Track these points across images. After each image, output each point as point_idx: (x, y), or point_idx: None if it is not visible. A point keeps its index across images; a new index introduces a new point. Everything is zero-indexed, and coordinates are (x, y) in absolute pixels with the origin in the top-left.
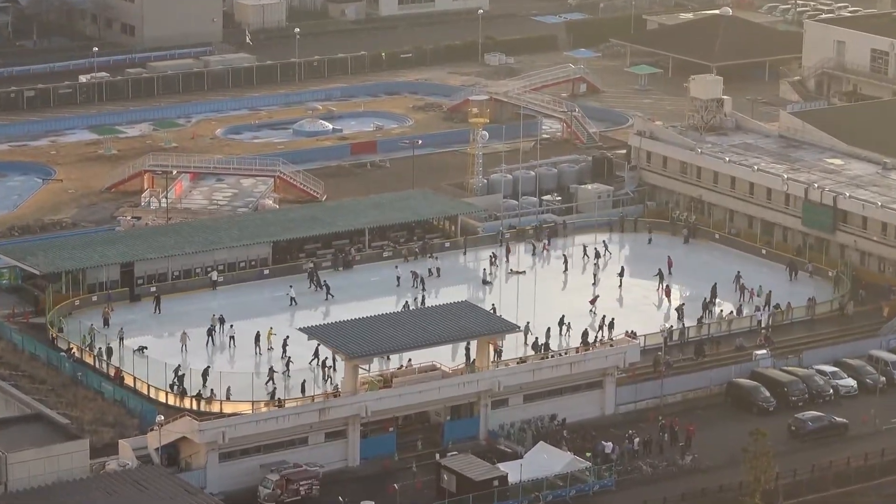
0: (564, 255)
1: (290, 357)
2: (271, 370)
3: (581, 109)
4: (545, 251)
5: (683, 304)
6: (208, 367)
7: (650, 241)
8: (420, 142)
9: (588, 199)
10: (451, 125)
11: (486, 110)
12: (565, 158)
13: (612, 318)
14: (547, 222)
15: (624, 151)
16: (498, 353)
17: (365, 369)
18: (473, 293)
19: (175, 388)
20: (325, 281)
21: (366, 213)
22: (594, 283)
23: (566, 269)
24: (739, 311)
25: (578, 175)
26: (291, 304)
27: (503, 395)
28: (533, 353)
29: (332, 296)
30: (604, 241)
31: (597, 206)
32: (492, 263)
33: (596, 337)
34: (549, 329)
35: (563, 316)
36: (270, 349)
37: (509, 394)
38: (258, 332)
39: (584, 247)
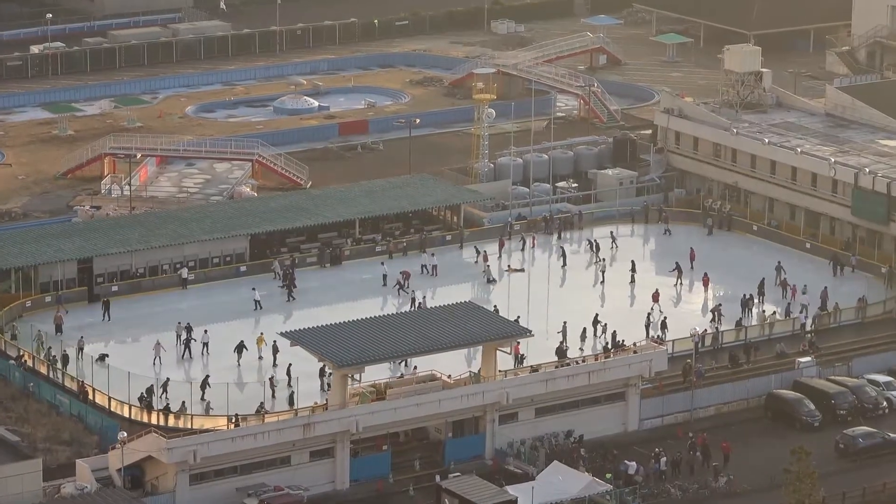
0: (563, 248)
1: (290, 365)
2: (272, 381)
3: (600, 84)
4: (533, 247)
5: (720, 304)
6: (207, 376)
7: (667, 232)
8: (418, 121)
9: (608, 185)
10: (453, 102)
11: (492, 85)
12: (583, 140)
13: (664, 317)
14: (562, 211)
15: (649, 132)
16: (519, 358)
17: (356, 379)
18: (478, 293)
19: (154, 406)
20: (286, 283)
21: (356, 201)
22: (602, 282)
23: (564, 263)
24: (787, 311)
25: (597, 159)
26: (256, 307)
27: (512, 408)
28: (560, 359)
29: (294, 298)
30: (611, 233)
31: (618, 193)
32: (499, 257)
33: (658, 337)
34: (584, 330)
35: (597, 315)
36: (261, 358)
37: (519, 407)
38: (241, 340)
39: (590, 241)
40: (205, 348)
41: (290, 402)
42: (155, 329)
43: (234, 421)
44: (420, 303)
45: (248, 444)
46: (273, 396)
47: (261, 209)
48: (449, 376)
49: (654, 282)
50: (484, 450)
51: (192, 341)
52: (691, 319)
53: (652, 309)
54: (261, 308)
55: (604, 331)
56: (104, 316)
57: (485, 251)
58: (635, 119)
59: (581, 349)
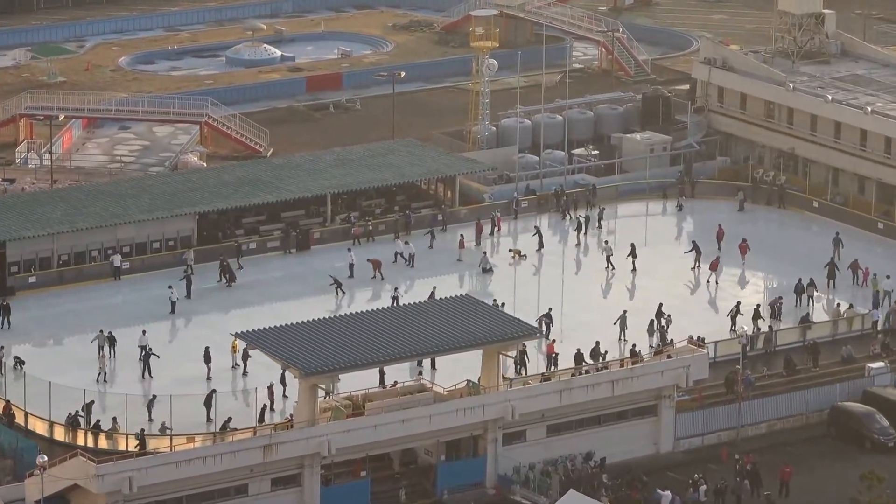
0: (537, 228)
1: (283, 372)
2: (270, 389)
3: (626, 29)
4: (498, 230)
5: (780, 298)
6: (214, 391)
7: (680, 208)
8: (403, 74)
9: (636, 153)
10: (445, 51)
11: (494, 30)
12: (605, 97)
13: (758, 305)
14: (579, 184)
15: (686, 87)
16: (552, 359)
17: (327, 390)
18: (473, 285)
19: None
20: (227, 276)
21: (327, 173)
22: (608, 267)
23: (540, 246)
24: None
25: (623, 120)
26: (172, 311)
27: (519, 425)
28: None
29: (229, 285)
30: (601, 209)
31: (648, 162)
32: (476, 244)
33: (755, 332)
34: (651, 322)
35: (661, 305)
36: (236, 366)
37: (528, 424)
38: (207, 347)
39: (580, 217)
40: (142, 352)
41: (262, 417)
42: (81, 329)
43: (194, 440)
44: (395, 296)
45: (195, 470)
46: (272, 409)
47: (211, 183)
48: (439, 386)
49: (676, 268)
50: (484, 476)
51: (152, 355)
52: (713, 316)
53: (710, 280)
54: (174, 313)
55: (668, 324)
56: (3, 322)
57: (461, 235)
58: (669, 72)
59: (653, 345)
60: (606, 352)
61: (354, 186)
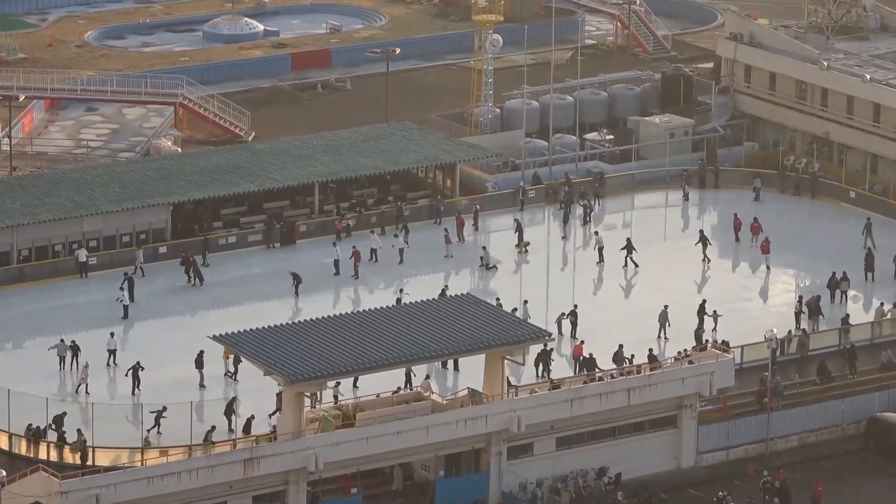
0: (517, 222)
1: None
2: (279, 396)
3: (644, 2)
4: (474, 225)
5: (818, 297)
6: (235, 397)
7: (686, 197)
8: (398, 51)
9: (655, 138)
10: (445, 25)
11: (498, 2)
12: (621, 76)
13: (802, 297)
14: (592, 172)
15: (710, 66)
16: (586, 364)
17: (315, 399)
18: (476, 284)
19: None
20: (194, 275)
21: (315, 160)
22: (600, 261)
23: (520, 242)
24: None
25: (640, 102)
26: (125, 316)
27: (526, 438)
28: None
29: (195, 284)
30: (587, 201)
31: (668, 148)
32: (460, 240)
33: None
34: (702, 320)
35: (704, 302)
36: (228, 374)
37: (535, 436)
38: (201, 351)
39: (583, 204)
40: (111, 357)
41: (247, 428)
42: (43, 331)
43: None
44: (399, 298)
45: (169, 486)
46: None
47: (186, 170)
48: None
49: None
50: (487, 493)
51: (140, 369)
52: (755, 317)
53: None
54: (127, 318)
55: (716, 322)
56: None
57: (445, 230)
58: (691, 48)
59: (712, 339)
60: (633, 355)
61: (344, 174)
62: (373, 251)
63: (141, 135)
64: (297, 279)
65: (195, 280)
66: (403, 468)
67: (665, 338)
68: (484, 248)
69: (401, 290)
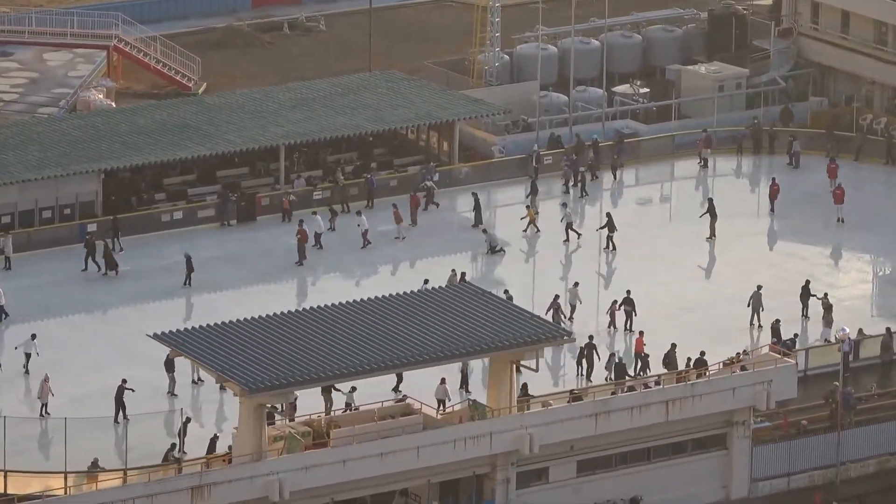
0: (475, 195)
1: None
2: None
3: None
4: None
5: None
6: (189, 419)
7: (702, 163)
8: None
9: (700, 91)
10: None
11: None
12: (658, 15)
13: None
14: (621, 133)
15: (769, 2)
16: (643, 359)
17: (277, 411)
18: (480, 271)
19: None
20: (105, 263)
21: (281, 117)
22: (566, 240)
23: (478, 222)
24: None
25: (682, 47)
26: (1, 319)
27: (540, 460)
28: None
29: (108, 272)
30: (589, 170)
31: (716, 104)
32: (412, 223)
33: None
34: (807, 305)
35: (808, 282)
36: (198, 382)
37: (552, 459)
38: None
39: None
40: (27, 361)
41: (212, 447)
42: None
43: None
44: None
45: None
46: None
47: (122, 130)
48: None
49: (750, 245)
50: None
51: (126, 389)
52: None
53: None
54: (6, 316)
55: (826, 308)
56: None
57: (394, 206)
58: None
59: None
60: (702, 355)
61: (317, 135)
62: (317, 236)
63: (66, 86)
64: (189, 265)
65: (104, 269)
66: (385, 498)
67: (759, 325)
68: (485, 230)
69: (425, 282)
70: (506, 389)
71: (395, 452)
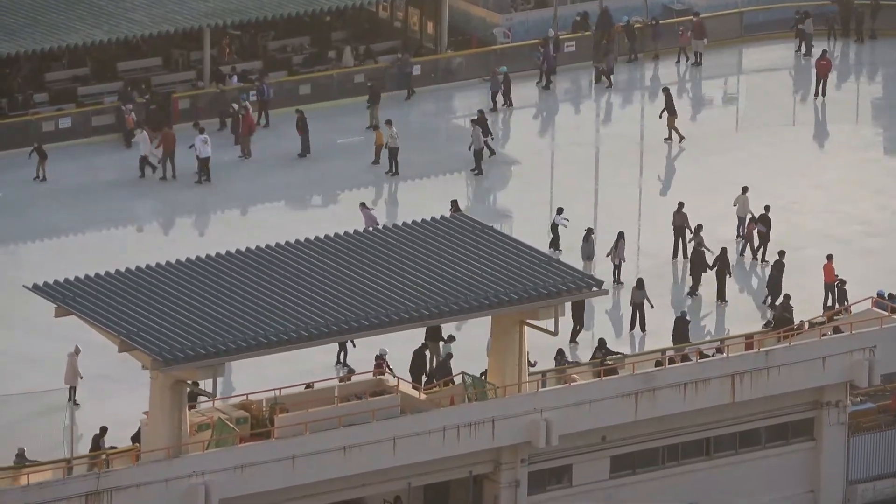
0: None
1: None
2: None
3: None
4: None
5: None
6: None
7: (697, 60)
8: None
9: None
10: None
11: None
12: None
13: None
14: (653, 18)
15: None
16: (835, 290)
17: (203, 391)
18: (469, 197)
19: None
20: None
21: None
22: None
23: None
24: None
25: None
26: None
27: (559, 455)
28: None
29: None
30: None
31: None
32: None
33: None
34: None
35: None
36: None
37: (575, 454)
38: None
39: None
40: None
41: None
42: None
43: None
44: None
45: None
46: None
47: None
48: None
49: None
50: None
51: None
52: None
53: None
54: None
55: None
56: None
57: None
58: None
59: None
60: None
61: (253, 14)
62: (200, 164)
63: None
64: (40, 152)
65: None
66: None
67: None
68: (484, 142)
69: (559, 211)
70: (513, 360)
71: (362, 446)
